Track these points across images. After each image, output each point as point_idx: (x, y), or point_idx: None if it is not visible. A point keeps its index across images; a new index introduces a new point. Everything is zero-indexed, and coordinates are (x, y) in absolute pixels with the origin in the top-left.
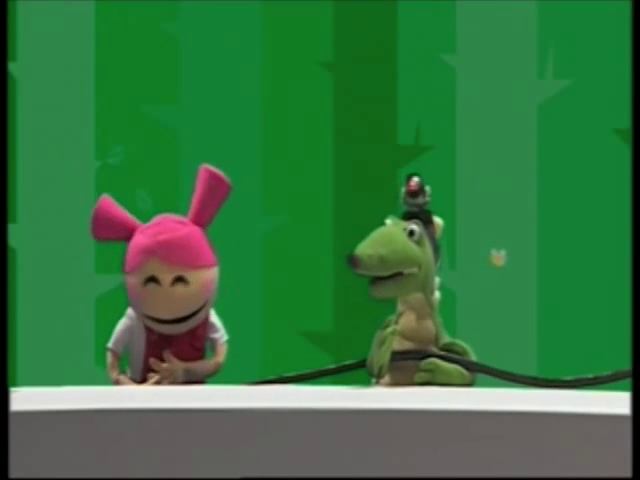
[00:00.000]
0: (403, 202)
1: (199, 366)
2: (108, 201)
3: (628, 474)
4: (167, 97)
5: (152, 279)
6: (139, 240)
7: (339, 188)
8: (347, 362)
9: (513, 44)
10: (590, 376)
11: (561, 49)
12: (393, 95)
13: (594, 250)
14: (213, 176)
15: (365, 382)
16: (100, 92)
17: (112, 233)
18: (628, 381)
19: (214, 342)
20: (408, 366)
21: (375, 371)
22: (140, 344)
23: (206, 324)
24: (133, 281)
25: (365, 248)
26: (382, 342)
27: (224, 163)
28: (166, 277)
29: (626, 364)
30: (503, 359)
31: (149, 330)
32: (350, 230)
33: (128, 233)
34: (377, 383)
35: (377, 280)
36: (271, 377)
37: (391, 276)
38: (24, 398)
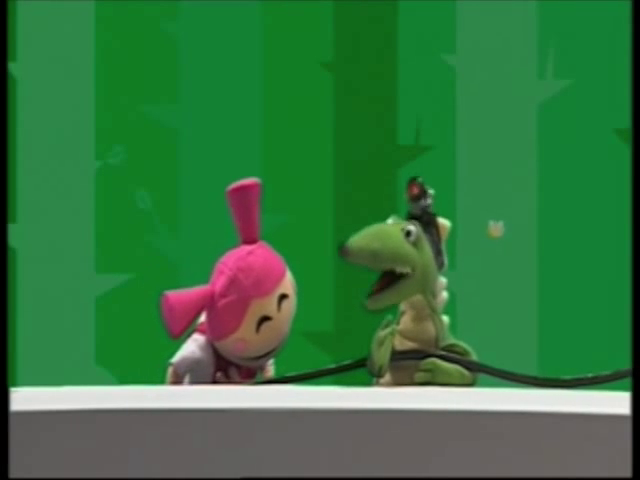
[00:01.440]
0: (408, 204)
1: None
2: (172, 295)
3: (628, 474)
4: (167, 97)
5: (263, 319)
6: (228, 301)
7: (339, 188)
8: (347, 362)
9: (513, 44)
10: (590, 375)
11: (561, 49)
12: (393, 95)
13: (594, 250)
14: (238, 191)
15: (365, 382)
16: (100, 92)
17: (191, 316)
18: (628, 381)
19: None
20: (408, 366)
21: (375, 371)
22: (208, 371)
23: None
24: (242, 336)
25: (358, 239)
26: (382, 342)
27: (224, 163)
28: (273, 307)
29: (627, 364)
30: (504, 359)
31: (218, 357)
32: (350, 230)
33: (206, 304)
34: (377, 383)
35: (373, 293)
36: (271, 377)
37: (386, 284)
38: (24, 398)
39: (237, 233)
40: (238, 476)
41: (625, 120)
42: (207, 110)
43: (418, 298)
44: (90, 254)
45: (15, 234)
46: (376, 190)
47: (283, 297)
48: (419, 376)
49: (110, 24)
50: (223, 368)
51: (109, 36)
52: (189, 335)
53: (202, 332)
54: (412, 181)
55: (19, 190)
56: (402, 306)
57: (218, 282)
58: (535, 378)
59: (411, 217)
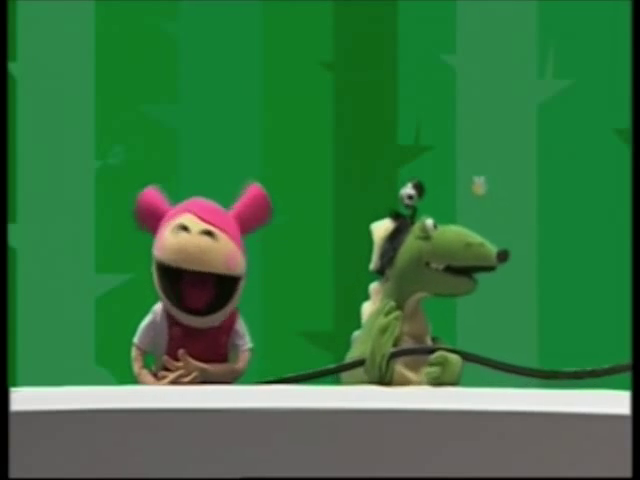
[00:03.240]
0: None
1: (216, 369)
2: (152, 192)
3: (628, 474)
4: (167, 97)
5: (181, 227)
6: (173, 211)
7: (339, 188)
8: (349, 360)
9: (513, 44)
10: (589, 369)
11: (561, 49)
12: (393, 95)
13: (594, 250)
14: (261, 197)
15: (365, 382)
16: (100, 92)
17: (147, 214)
18: (627, 375)
19: (237, 348)
20: (415, 362)
21: (377, 361)
22: (163, 339)
23: (231, 330)
24: (162, 234)
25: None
26: (384, 329)
27: (224, 163)
28: (195, 227)
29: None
30: (503, 358)
31: (172, 324)
32: (350, 230)
33: (159, 214)
34: (380, 377)
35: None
36: (271, 378)
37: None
38: (24, 398)
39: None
40: (238, 476)
41: (625, 120)
42: (207, 110)
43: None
44: (90, 254)
45: (15, 234)
46: (376, 190)
47: (209, 233)
48: (430, 371)
49: (110, 24)
50: (176, 352)
51: (109, 36)
52: None
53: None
54: (415, 181)
55: (19, 190)
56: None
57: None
58: (533, 370)
59: (399, 216)
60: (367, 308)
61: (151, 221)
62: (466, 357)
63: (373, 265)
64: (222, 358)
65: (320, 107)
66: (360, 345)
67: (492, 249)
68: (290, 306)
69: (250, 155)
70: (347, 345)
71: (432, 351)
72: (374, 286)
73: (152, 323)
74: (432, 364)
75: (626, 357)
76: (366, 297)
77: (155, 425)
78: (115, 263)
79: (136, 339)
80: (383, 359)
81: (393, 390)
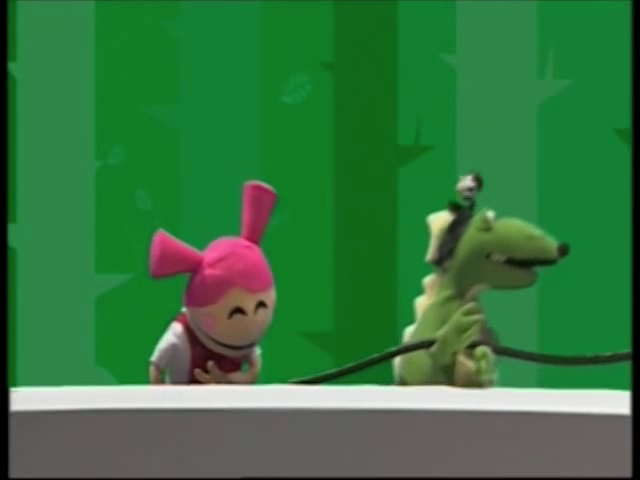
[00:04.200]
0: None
1: (239, 377)
2: (165, 236)
3: (628, 474)
4: (167, 97)
5: (238, 310)
6: (214, 273)
7: (339, 188)
8: (393, 349)
9: (513, 44)
10: (609, 354)
11: (561, 49)
12: (393, 95)
13: (594, 250)
14: (258, 190)
15: (365, 382)
16: (100, 92)
17: (176, 268)
18: (627, 363)
19: (249, 354)
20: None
21: (446, 356)
22: (185, 359)
23: None
24: (214, 313)
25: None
26: (465, 329)
27: (224, 163)
28: (250, 305)
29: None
30: (503, 358)
31: (195, 345)
32: (350, 230)
33: (193, 266)
34: (446, 370)
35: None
36: (332, 371)
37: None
38: (24, 398)
39: (242, 228)
40: (238, 476)
41: (625, 120)
42: (207, 110)
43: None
44: (90, 254)
45: (15, 234)
46: (376, 190)
47: (262, 305)
48: (481, 367)
49: (110, 24)
50: (200, 363)
51: (109, 36)
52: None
53: (180, 322)
54: (474, 173)
55: (19, 190)
56: (448, 292)
57: (210, 254)
58: (534, 354)
59: (459, 207)
60: (422, 302)
61: (174, 268)
62: (500, 351)
63: (430, 256)
64: (238, 366)
65: (320, 107)
66: (418, 338)
67: (553, 242)
68: (290, 306)
69: (250, 155)
70: (347, 345)
71: (500, 350)
72: (429, 279)
73: (173, 346)
74: (478, 359)
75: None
76: (366, 297)
77: (155, 425)
78: (115, 263)
79: (155, 359)
80: (454, 355)
81: (393, 390)
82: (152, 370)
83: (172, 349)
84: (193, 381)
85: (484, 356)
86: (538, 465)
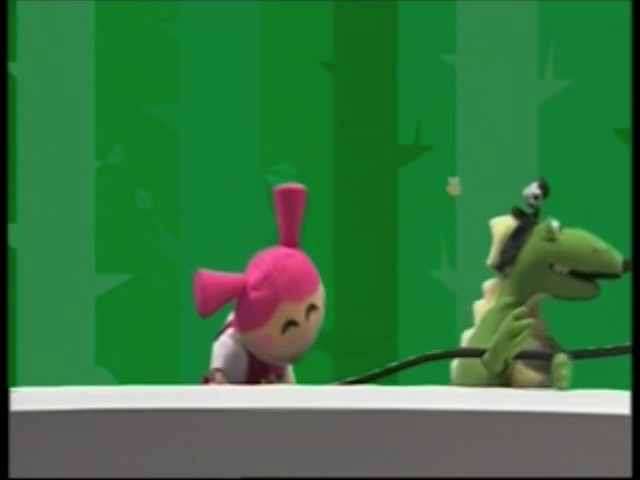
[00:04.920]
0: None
1: (290, 378)
2: (204, 275)
3: (628, 474)
4: (167, 97)
5: (290, 323)
6: (259, 295)
7: (339, 188)
8: (461, 348)
9: (513, 44)
10: (592, 349)
11: (561, 49)
12: (393, 95)
13: None
14: (287, 193)
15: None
16: (100, 92)
17: (222, 300)
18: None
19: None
20: (541, 366)
21: (498, 364)
22: (243, 364)
23: None
24: (267, 333)
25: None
26: (515, 334)
27: (224, 163)
28: (301, 314)
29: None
30: None
31: (252, 355)
32: (350, 230)
33: (237, 292)
34: (499, 374)
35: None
36: (395, 363)
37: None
38: (24, 398)
39: (278, 234)
40: (238, 476)
41: (625, 120)
42: (207, 110)
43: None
44: (90, 254)
45: (15, 234)
46: (376, 190)
47: (312, 308)
48: (564, 374)
49: (110, 24)
50: (257, 367)
51: (109, 36)
52: (216, 338)
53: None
54: (540, 181)
55: (19, 190)
56: (508, 300)
57: (252, 274)
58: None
59: (523, 214)
60: (481, 306)
61: (219, 301)
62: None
63: (491, 261)
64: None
65: (320, 107)
66: (476, 343)
67: (618, 257)
68: None
69: (250, 155)
70: (347, 345)
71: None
72: (488, 284)
73: (236, 356)
74: (559, 366)
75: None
76: (366, 297)
77: (155, 425)
78: (115, 263)
79: (220, 365)
80: (507, 361)
81: (393, 390)
82: (219, 377)
83: (233, 354)
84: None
85: (564, 364)
86: (538, 465)
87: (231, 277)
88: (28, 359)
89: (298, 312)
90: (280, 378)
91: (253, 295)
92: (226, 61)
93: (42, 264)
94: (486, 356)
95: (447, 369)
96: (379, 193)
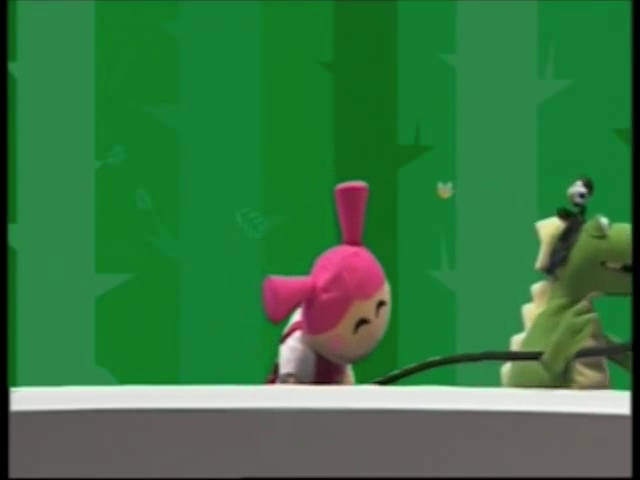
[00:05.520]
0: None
1: (350, 377)
2: (272, 281)
3: (628, 474)
4: (167, 97)
5: (361, 322)
6: (330, 297)
7: None
8: (516, 352)
9: (513, 44)
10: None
11: (561, 49)
12: (393, 95)
13: None
14: (348, 191)
15: (364, 382)
16: (100, 92)
17: (292, 304)
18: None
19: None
20: (595, 360)
21: (561, 361)
22: (312, 366)
23: None
24: (339, 334)
25: None
26: (577, 330)
27: (224, 163)
28: (372, 311)
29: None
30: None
31: (320, 358)
32: None
33: (307, 296)
34: (560, 376)
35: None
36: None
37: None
38: (24, 398)
39: (341, 233)
40: (238, 476)
41: (625, 120)
42: (207, 110)
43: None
44: (90, 254)
45: (15, 234)
46: (376, 190)
47: (381, 304)
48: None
49: (110, 24)
50: (325, 369)
51: (109, 36)
52: (282, 342)
53: (301, 329)
54: (585, 179)
55: (19, 190)
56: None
57: (321, 277)
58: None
59: (570, 214)
60: (531, 310)
61: (289, 305)
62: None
63: (540, 264)
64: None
65: (320, 107)
66: (529, 347)
67: None
68: None
69: (250, 155)
70: None
71: (616, 351)
72: (538, 287)
73: (306, 359)
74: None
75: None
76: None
77: (155, 425)
78: (115, 263)
79: (292, 370)
80: (568, 359)
81: (393, 390)
82: (291, 382)
83: (303, 358)
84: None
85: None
86: (538, 465)
87: (300, 281)
88: (28, 359)
89: (369, 310)
90: (342, 377)
91: (323, 297)
92: (226, 61)
93: (42, 264)
94: (546, 356)
95: (447, 369)
96: (379, 193)
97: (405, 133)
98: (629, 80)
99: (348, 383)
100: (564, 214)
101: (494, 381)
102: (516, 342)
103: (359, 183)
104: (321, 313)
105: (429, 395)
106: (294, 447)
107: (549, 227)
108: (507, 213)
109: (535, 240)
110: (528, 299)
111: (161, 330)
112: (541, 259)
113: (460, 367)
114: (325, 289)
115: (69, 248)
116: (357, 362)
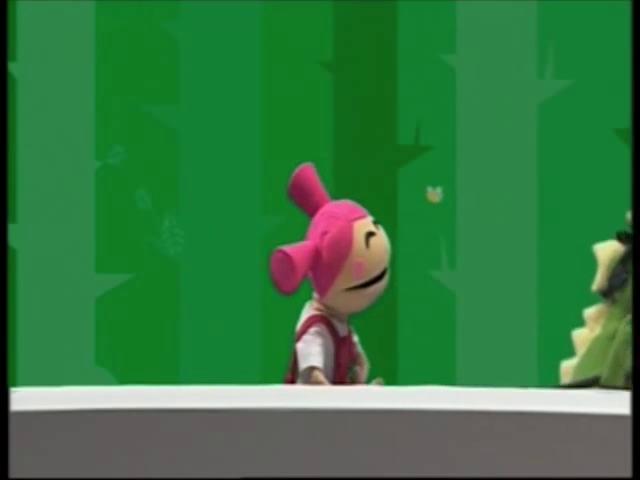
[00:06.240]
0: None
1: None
2: (291, 250)
3: (628, 474)
4: (167, 97)
5: (369, 234)
6: (334, 231)
7: (339, 188)
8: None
9: (513, 44)
10: None
11: (561, 49)
12: (393, 95)
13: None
14: (298, 180)
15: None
16: (100, 92)
17: (306, 271)
18: None
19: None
20: None
21: (621, 377)
22: (331, 357)
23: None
24: (356, 254)
25: None
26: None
27: (224, 163)
28: (371, 225)
29: None
30: (503, 358)
31: (338, 346)
32: None
33: (314, 254)
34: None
35: None
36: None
37: None
38: (24, 398)
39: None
40: (238, 476)
41: (625, 120)
42: (207, 110)
43: None
44: (90, 254)
45: (15, 234)
46: (376, 190)
47: (371, 234)
48: None
49: (110, 24)
50: (343, 360)
51: (109, 36)
52: (297, 340)
53: (321, 323)
54: None
55: (19, 190)
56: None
57: (314, 232)
58: None
59: (630, 237)
60: (584, 335)
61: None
62: None
63: (597, 287)
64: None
65: (320, 107)
66: (584, 372)
67: None
68: (290, 307)
69: (250, 155)
70: None
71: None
72: (592, 311)
73: (325, 347)
74: None
75: None
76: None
77: (155, 425)
78: (115, 263)
79: (317, 363)
80: (627, 373)
81: (394, 390)
82: (317, 375)
83: (325, 350)
84: (342, 370)
85: None
86: (538, 465)
87: (304, 245)
88: (28, 359)
89: (369, 224)
90: (359, 367)
91: (328, 237)
92: (226, 61)
93: (42, 264)
94: (605, 374)
95: (447, 369)
96: (379, 193)
97: (405, 133)
98: (629, 80)
99: (364, 374)
100: (624, 237)
101: (494, 381)
102: (566, 368)
103: (301, 167)
104: (334, 248)
105: (429, 395)
106: (294, 447)
107: (608, 250)
108: (507, 212)
109: (535, 240)
110: (528, 299)
111: (161, 330)
112: (598, 282)
113: (460, 367)
114: (325, 232)
115: (69, 248)
116: (382, 274)
